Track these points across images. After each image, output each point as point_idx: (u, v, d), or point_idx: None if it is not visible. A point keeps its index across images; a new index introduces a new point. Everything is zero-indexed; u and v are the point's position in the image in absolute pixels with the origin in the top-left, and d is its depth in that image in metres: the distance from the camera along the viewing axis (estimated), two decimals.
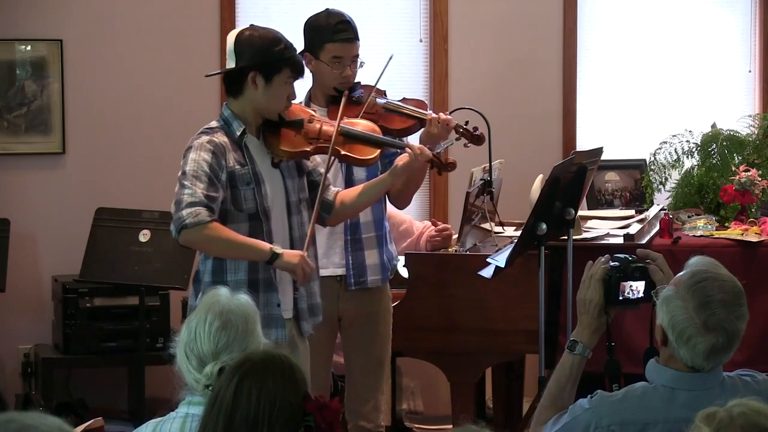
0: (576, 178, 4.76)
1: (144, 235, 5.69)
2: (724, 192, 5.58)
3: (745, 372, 3.07)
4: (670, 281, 3.04)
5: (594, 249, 4.84)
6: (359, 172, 4.67)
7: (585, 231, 5.32)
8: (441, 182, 6.60)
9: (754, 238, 5.26)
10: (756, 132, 5.99)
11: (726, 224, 5.53)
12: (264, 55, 4.15)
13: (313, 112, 4.40)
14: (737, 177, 5.56)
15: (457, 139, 4.77)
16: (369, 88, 4.72)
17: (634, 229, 5.25)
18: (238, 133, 4.16)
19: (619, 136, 6.80)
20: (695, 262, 3.01)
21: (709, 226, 5.46)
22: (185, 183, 4.04)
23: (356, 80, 4.70)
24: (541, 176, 5.19)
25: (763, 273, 5.17)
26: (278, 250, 4.08)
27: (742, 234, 5.31)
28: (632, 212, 5.85)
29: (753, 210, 5.65)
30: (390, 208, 4.96)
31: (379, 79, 4.65)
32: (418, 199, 6.51)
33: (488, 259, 4.66)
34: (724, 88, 7.02)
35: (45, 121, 6.19)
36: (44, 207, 6.20)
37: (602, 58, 6.89)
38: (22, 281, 6.10)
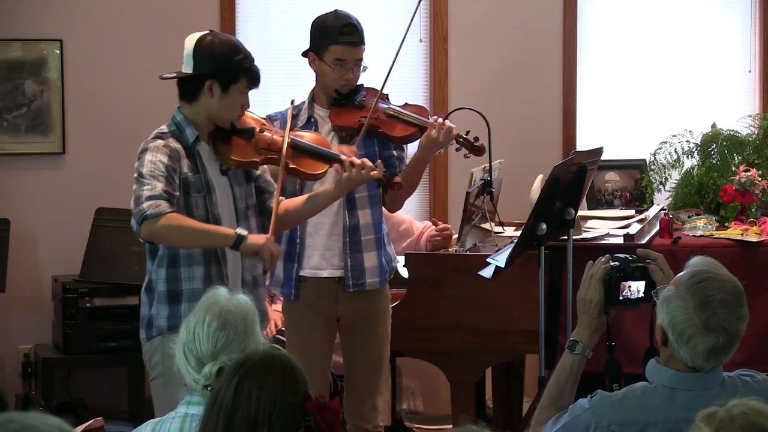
0: (576, 178, 4.75)
1: None
2: (724, 192, 5.58)
3: (745, 372, 3.07)
4: (670, 281, 3.04)
5: (594, 249, 4.84)
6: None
7: (585, 231, 5.32)
8: (441, 182, 6.60)
9: (754, 238, 5.26)
10: (756, 132, 5.99)
11: (726, 224, 5.53)
12: (223, 64, 4.13)
13: (264, 121, 4.37)
14: (737, 177, 5.56)
15: (457, 149, 4.76)
16: (372, 92, 4.72)
17: (634, 229, 5.25)
18: (192, 140, 4.15)
19: (619, 136, 6.80)
20: (695, 262, 3.01)
21: (709, 226, 5.46)
22: (144, 181, 4.02)
23: (359, 83, 4.70)
24: (541, 176, 5.19)
25: (763, 273, 5.17)
26: (243, 232, 4.05)
27: (742, 234, 5.31)
28: (632, 212, 5.86)
29: (753, 210, 5.65)
30: None
31: (384, 84, 4.65)
32: (418, 199, 6.51)
33: (488, 259, 4.66)
34: (724, 88, 7.02)
35: (45, 121, 6.19)
36: (44, 207, 6.20)
37: (602, 58, 6.88)
38: (22, 281, 6.10)
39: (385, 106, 4.71)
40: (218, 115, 4.19)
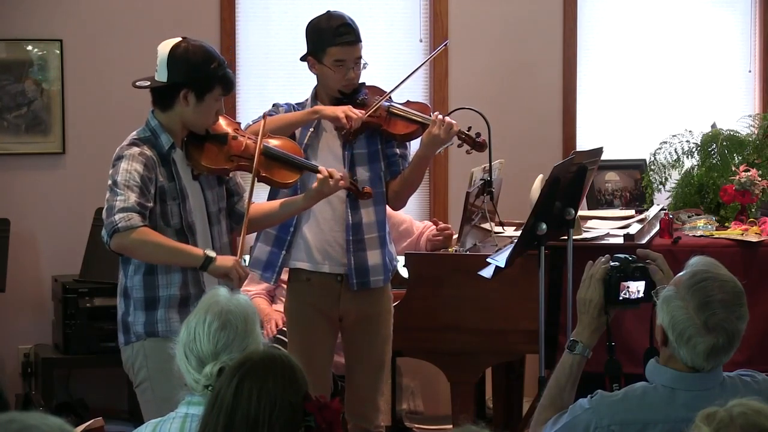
0: (576, 178, 4.76)
1: None
2: (724, 192, 5.59)
3: (745, 372, 3.07)
4: (670, 281, 3.04)
5: (594, 249, 4.84)
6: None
7: (585, 231, 5.32)
8: (441, 182, 6.60)
9: (754, 238, 5.26)
10: (756, 132, 6.00)
11: (726, 224, 5.53)
12: (197, 72, 4.10)
13: (237, 125, 4.36)
14: (737, 177, 5.56)
15: (459, 146, 4.76)
16: (374, 90, 4.72)
17: (634, 229, 5.25)
18: (167, 147, 4.14)
19: (619, 136, 6.79)
20: (695, 262, 3.01)
21: (709, 226, 5.46)
22: (117, 191, 4.00)
23: (361, 81, 4.70)
24: (541, 176, 5.19)
25: (763, 273, 5.17)
26: (211, 254, 4.05)
27: (742, 234, 5.32)
28: (632, 212, 5.85)
29: (753, 210, 5.65)
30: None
31: (396, 87, 4.66)
32: (418, 199, 6.51)
33: (488, 259, 4.66)
34: (724, 88, 7.02)
35: (45, 121, 6.19)
36: (44, 207, 6.20)
37: (602, 58, 6.88)
38: (22, 281, 6.10)
39: (387, 104, 4.71)
40: (193, 123, 4.17)
